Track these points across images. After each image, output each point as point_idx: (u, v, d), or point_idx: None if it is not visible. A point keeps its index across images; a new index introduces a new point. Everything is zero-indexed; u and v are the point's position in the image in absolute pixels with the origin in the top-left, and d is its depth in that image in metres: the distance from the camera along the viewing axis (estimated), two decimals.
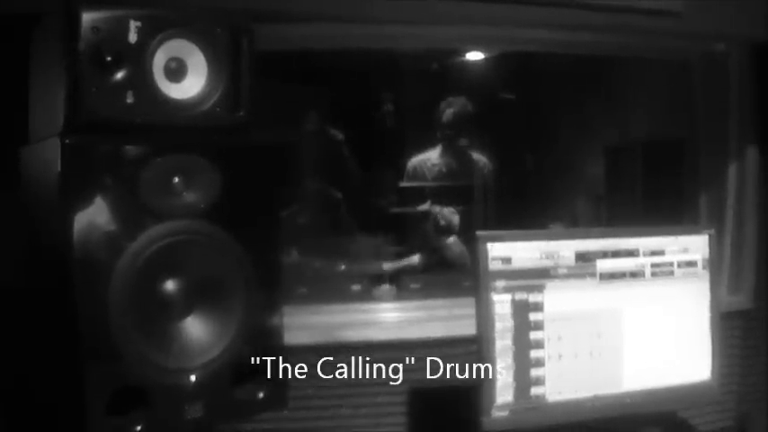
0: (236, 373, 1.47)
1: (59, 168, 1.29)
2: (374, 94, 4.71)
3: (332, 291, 2.82)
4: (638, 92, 3.86)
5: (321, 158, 3.93)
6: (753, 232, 2.70)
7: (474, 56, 4.33)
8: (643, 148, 3.51)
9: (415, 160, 3.78)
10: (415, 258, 3.50)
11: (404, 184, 3.69)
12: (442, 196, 3.60)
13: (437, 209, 3.51)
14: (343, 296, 2.72)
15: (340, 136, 3.93)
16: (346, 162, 3.92)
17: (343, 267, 3.30)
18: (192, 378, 1.40)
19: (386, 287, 2.87)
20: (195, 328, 1.42)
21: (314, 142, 3.90)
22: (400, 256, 3.58)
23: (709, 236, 2.04)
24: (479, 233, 1.84)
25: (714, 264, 2.04)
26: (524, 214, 4.00)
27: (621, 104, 4.08)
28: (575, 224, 4.31)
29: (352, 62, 3.37)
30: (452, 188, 3.66)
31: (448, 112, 3.70)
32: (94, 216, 1.30)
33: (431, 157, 3.77)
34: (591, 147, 4.36)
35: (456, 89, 3.90)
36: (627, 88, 3.98)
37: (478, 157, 3.81)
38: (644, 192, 3.48)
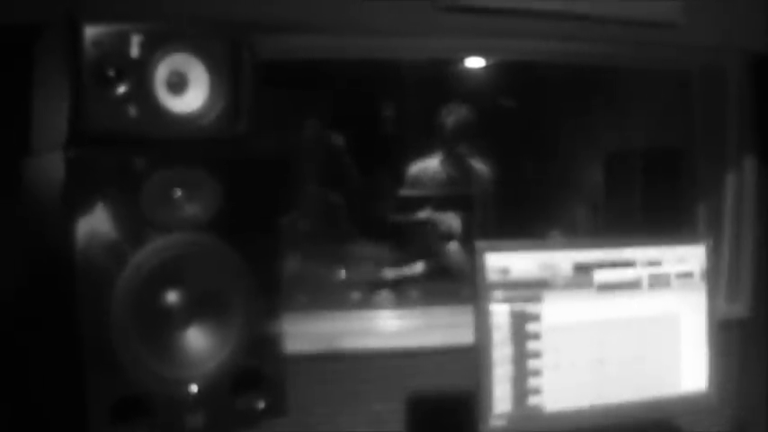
0: (237, 383, 1.48)
1: (63, 182, 1.31)
2: (375, 100, 4.72)
3: (332, 299, 2.83)
4: (638, 100, 3.87)
5: (321, 164, 3.94)
6: (750, 241, 2.72)
7: (475, 63, 4.34)
8: (643, 156, 3.50)
9: (416, 168, 3.78)
10: (419, 267, 3.49)
11: (404, 191, 3.69)
12: (442, 204, 3.61)
13: (436, 215, 3.51)
14: (343, 304, 2.74)
15: (340, 141, 3.95)
16: (346, 167, 3.93)
17: (342, 274, 3.30)
18: (193, 388, 1.42)
19: (385, 294, 2.88)
20: (196, 338, 1.43)
21: (314, 147, 3.90)
22: (400, 262, 3.58)
23: (707, 246, 2.05)
24: (478, 244, 1.86)
25: (711, 274, 2.06)
26: (524, 222, 3.99)
27: (621, 112, 4.08)
28: (574, 232, 4.31)
29: (353, 68, 3.37)
30: (452, 196, 3.66)
31: (449, 120, 3.70)
32: (97, 228, 1.31)
33: (431, 165, 3.77)
34: (590, 155, 4.37)
35: (457, 96, 3.90)
36: (627, 96, 3.98)
37: (478, 164, 3.81)
38: (643, 200, 3.47)
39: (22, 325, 1.57)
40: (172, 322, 1.41)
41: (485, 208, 3.80)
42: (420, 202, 3.54)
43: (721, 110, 2.73)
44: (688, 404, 2.05)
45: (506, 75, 4.42)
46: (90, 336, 1.30)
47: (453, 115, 3.72)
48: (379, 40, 2.30)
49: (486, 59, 3.93)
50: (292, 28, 2.06)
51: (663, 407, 2.01)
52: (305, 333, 2.26)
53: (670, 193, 3.01)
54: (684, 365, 2.03)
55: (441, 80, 4.25)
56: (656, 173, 3.28)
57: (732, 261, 2.75)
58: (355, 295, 2.87)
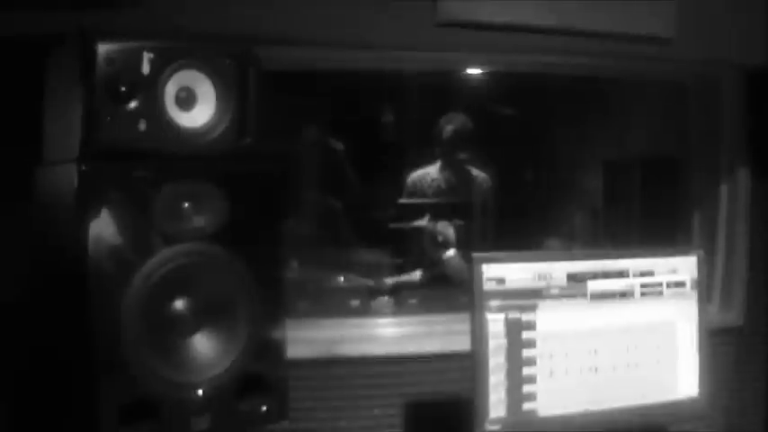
0: (241, 387, 1.53)
1: (76, 193, 1.36)
2: (375, 106, 4.72)
3: (331, 305, 2.84)
4: (636, 109, 3.88)
5: (321, 168, 3.95)
6: (743, 250, 2.74)
7: (474, 70, 4.34)
8: (641, 164, 3.51)
9: (415, 175, 3.77)
10: (417, 274, 3.51)
11: (403, 200, 3.69)
12: (441, 212, 3.62)
13: (430, 225, 3.51)
14: (342, 311, 2.75)
15: (340, 146, 3.97)
16: (345, 171, 3.94)
17: (341, 280, 3.32)
18: (200, 392, 1.47)
19: (384, 299, 2.90)
20: (203, 344, 1.49)
21: (314, 152, 3.92)
22: (400, 269, 3.59)
23: (698, 257, 2.09)
24: (475, 255, 1.90)
25: (702, 284, 2.10)
26: (523, 230, 3.99)
27: (620, 121, 4.09)
28: (573, 239, 4.32)
29: (353, 76, 3.37)
30: (451, 203, 3.66)
31: (447, 128, 3.70)
32: (108, 238, 1.36)
33: (430, 173, 3.76)
34: (589, 162, 4.37)
35: (455, 104, 3.90)
36: (626, 105, 3.99)
37: (477, 172, 3.81)
38: (641, 207, 3.49)
39: (35, 330, 1.60)
40: (179, 329, 1.46)
41: (484, 215, 3.80)
42: (419, 210, 3.56)
43: (715, 121, 2.76)
44: (680, 411, 2.09)
45: (506, 82, 4.42)
46: (101, 341, 1.35)
47: (452, 124, 3.71)
48: (380, 53, 2.33)
49: (485, 69, 3.94)
50: (295, 42, 2.09)
51: (655, 413, 2.05)
52: (305, 339, 2.28)
53: (668, 201, 3.04)
54: (676, 373, 2.07)
55: (440, 88, 4.25)
56: (654, 181, 3.30)
57: (725, 270, 2.77)
58: (354, 302, 2.89)
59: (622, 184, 3.71)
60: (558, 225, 4.47)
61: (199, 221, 1.47)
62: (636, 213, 3.55)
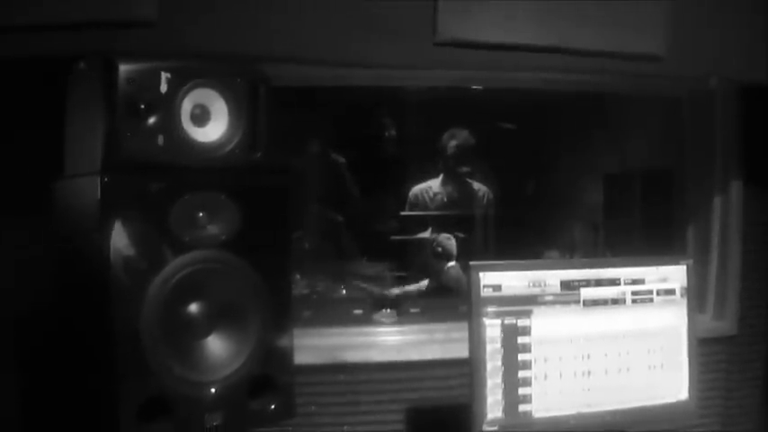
0: (252, 387, 1.61)
1: (98, 204, 1.44)
2: (377, 120, 4.74)
3: (335, 314, 2.86)
4: (636, 122, 3.89)
5: (323, 181, 4.00)
6: (736, 261, 2.80)
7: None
8: (641, 177, 3.54)
9: (417, 188, 3.84)
10: (424, 284, 3.57)
11: (405, 213, 3.75)
12: (442, 224, 3.68)
13: (433, 236, 3.56)
14: (346, 320, 2.79)
15: (342, 159, 4.02)
16: (347, 184, 3.99)
17: (343, 292, 3.35)
18: (213, 390, 1.55)
19: (386, 312, 2.95)
20: (216, 346, 1.57)
21: (316, 165, 3.97)
22: (402, 281, 3.63)
23: (687, 266, 2.16)
24: (472, 263, 1.97)
25: (691, 291, 2.16)
26: (524, 242, 4.01)
27: (620, 135, 4.10)
28: (573, 252, 4.33)
29: (355, 91, 3.38)
30: (453, 216, 3.73)
31: (451, 144, 3.78)
32: (129, 246, 1.44)
33: (432, 186, 3.83)
34: (590, 175, 4.38)
35: (457, 119, 3.94)
36: (625, 119, 4.00)
37: (479, 185, 3.87)
38: (642, 220, 3.51)
39: (59, 335, 1.69)
40: (194, 331, 1.55)
41: (485, 228, 3.86)
42: (421, 222, 3.60)
43: (709, 135, 2.81)
44: (669, 414, 2.15)
45: (507, 96, 4.41)
46: (123, 343, 1.43)
47: (455, 139, 3.79)
48: (381, 71, 2.40)
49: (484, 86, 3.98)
50: (300, 60, 2.16)
51: (645, 416, 2.11)
52: (310, 346, 2.35)
53: (668, 214, 3.08)
54: (666, 377, 2.13)
55: (442, 102, 4.28)
56: (654, 194, 3.33)
57: (719, 280, 2.82)
58: (357, 311, 2.92)
59: (623, 197, 3.73)
60: (559, 237, 4.48)
61: (212, 230, 1.55)
62: (636, 226, 3.57)
